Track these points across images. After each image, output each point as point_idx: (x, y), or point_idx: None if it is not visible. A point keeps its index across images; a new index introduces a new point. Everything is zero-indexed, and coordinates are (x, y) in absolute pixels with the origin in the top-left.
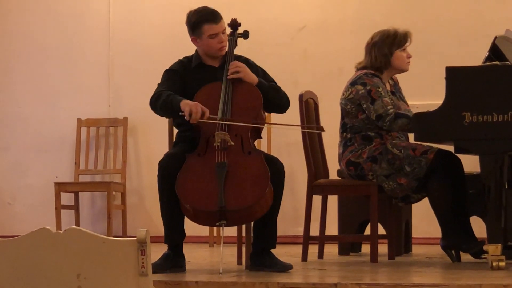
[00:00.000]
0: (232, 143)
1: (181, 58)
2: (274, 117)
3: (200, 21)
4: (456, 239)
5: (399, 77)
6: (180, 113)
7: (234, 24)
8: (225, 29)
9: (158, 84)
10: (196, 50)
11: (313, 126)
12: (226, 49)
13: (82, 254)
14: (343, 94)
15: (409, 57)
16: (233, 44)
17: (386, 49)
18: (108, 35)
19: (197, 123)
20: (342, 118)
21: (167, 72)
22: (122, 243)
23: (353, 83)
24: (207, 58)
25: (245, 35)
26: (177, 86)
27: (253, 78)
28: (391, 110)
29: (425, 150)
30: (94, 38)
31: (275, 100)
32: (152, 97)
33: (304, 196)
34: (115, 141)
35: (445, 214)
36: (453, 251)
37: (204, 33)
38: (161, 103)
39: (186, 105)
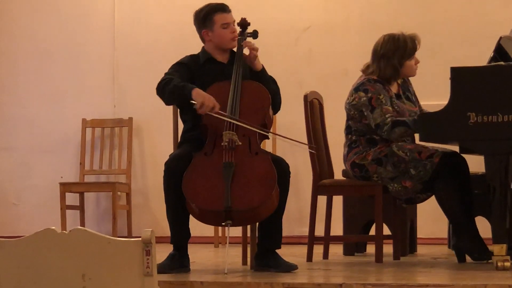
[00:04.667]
0: (240, 143)
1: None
2: (279, 119)
3: (211, 12)
4: (470, 245)
5: None
6: (191, 101)
7: (244, 24)
8: (234, 21)
9: (165, 73)
10: (203, 48)
11: (312, 146)
12: (235, 49)
13: (87, 254)
14: (348, 99)
15: (417, 63)
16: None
17: (396, 61)
18: (113, 36)
19: (206, 120)
20: (347, 120)
21: (177, 64)
22: (127, 243)
23: (356, 89)
24: (216, 53)
25: (255, 34)
26: (185, 79)
27: (260, 64)
28: (389, 119)
29: (430, 154)
30: (98, 38)
31: (273, 93)
32: (162, 81)
33: (309, 196)
34: (120, 141)
35: (457, 216)
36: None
37: (216, 23)
38: (172, 87)
39: (199, 95)
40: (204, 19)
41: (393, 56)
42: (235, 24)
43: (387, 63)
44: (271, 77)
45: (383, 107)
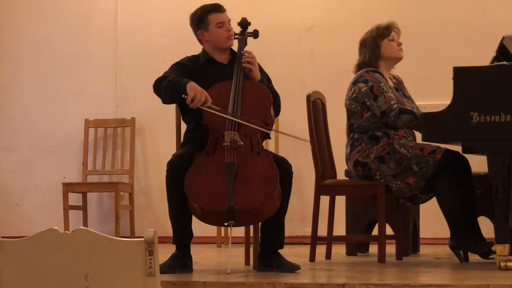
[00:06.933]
0: (241, 143)
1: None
2: (281, 118)
3: (205, 12)
4: (465, 240)
5: (404, 75)
6: (183, 96)
7: (244, 24)
8: (229, 20)
9: (165, 72)
10: (203, 49)
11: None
12: (236, 49)
13: (90, 254)
14: (347, 95)
15: (399, 44)
16: (242, 43)
17: (372, 43)
18: (116, 36)
19: (207, 120)
20: (349, 119)
21: (176, 64)
22: (130, 243)
23: (354, 82)
24: (216, 53)
25: (255, 34)
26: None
27: (258, 75)
28: (395, 106)
29: (433, 150)
30: (101, 38)
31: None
32: (158, 78)
33: (312, 196)
34: (122, 141)
35: (454, 214)
36: (461, 251)
37: (210, 23)
38: (167, 82)
39: (192, 88)
40: (199, 20)
41: (369, 39)
42: (230, 23)
43: (366, 48)
44: (270, 87)
45: (385, 95)
